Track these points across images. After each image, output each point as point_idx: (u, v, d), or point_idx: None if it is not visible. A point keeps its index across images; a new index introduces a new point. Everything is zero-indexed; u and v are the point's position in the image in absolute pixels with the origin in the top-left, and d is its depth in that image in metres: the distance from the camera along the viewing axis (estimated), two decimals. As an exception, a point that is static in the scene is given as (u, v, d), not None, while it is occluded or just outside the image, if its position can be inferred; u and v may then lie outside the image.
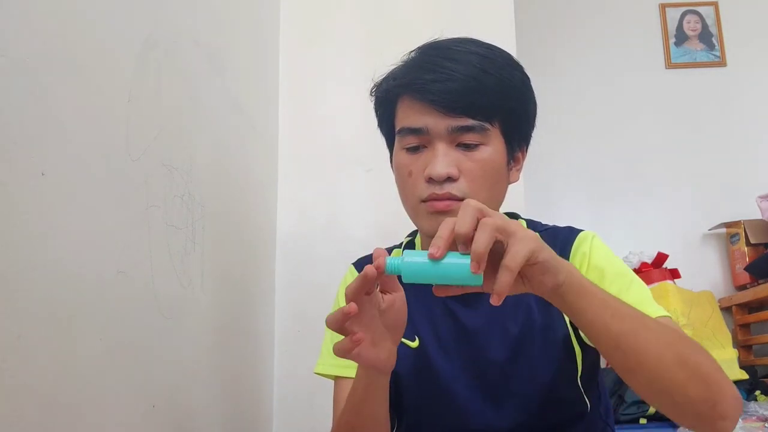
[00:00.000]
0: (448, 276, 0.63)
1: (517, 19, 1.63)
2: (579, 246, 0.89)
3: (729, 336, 2.30)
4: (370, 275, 0.64)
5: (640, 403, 1.98)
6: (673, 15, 2.97)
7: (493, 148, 0.85)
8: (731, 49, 2.91)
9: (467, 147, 0.84)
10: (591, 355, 0.89)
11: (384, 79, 0.92)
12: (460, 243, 0.63)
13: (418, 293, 0.80)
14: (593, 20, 2.96)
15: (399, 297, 0.72)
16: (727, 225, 2.63)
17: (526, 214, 1.20)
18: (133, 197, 0.84)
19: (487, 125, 0.84)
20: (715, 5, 2.95)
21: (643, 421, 1.97)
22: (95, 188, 0.74)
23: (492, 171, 0.85)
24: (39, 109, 0.64)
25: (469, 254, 0.61)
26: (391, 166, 0.93)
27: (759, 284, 2.42)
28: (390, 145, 0.94)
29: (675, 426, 1.87)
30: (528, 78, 0.90)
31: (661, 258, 2.45)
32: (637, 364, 0.68)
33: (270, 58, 1.60)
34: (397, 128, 0.88)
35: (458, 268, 0.63)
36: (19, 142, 0.61)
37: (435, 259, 0.62)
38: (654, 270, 2.41)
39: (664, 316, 0.81)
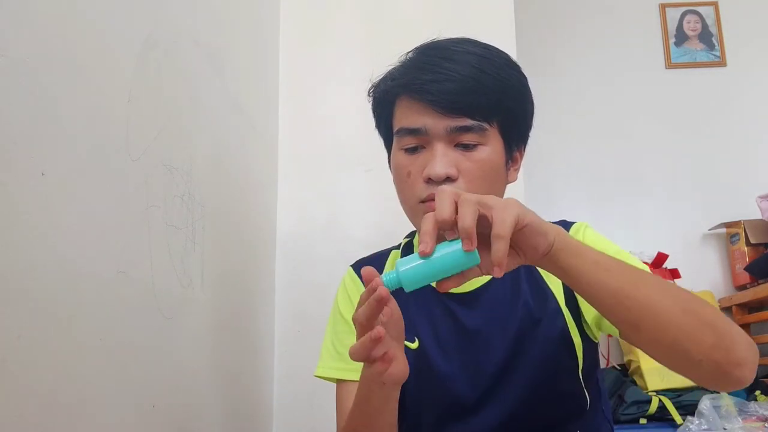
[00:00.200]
0: (445, 267, 0.63)
1: (517, 19, 1.63)
2: (573, 237, 0.89)
3: (729, 336, 2.29)
4: (384, 297, 0.64)
5: (641, 403, 1.98)
6: (673, 15, 2.97)
7: (491, 148, 0.85)
8: (731, 49, 2.91)
9: (466, 147, 0.84)
10: (591, 348, 0.89)
11: (382, 80, 0.92)
12: (447, 230, 0.63)
13: (417, 294, 0.79)
14: (593, 20, 2.96)
15: (394, 305, 0.72)
16: (727, 225, 2.63)
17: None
18: (133, 197, 0.84)
19: (486, 125, 0.84)
20: (715, 5, 2.95)
21: (643, 421, 1.97)
22: (95, 188, 0.74)
23: (491, 171, 0.85)
24: (39, 109, 0.64)
25: (458, 238, 0.61)
26: (390, 167, 0.93)
27: (759, 284, 2.42)
28: (388, 146, 0.94)
29: (675, 426, 1.88)
30: (525, 78, 0.90)
31: (661, 258, 2.45)
32: (641, 317, 0.66)
33: (270, 58, 1.60)
34: (396, 129, 0.88)
35: (453, 255, 0.63)
36: (19, 142, 0.61)
37: (427, 255, 0.62)
38: (654, 270, 2.41)
39: None
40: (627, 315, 0.67)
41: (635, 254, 2.47)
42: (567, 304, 0.87)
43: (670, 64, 2.92)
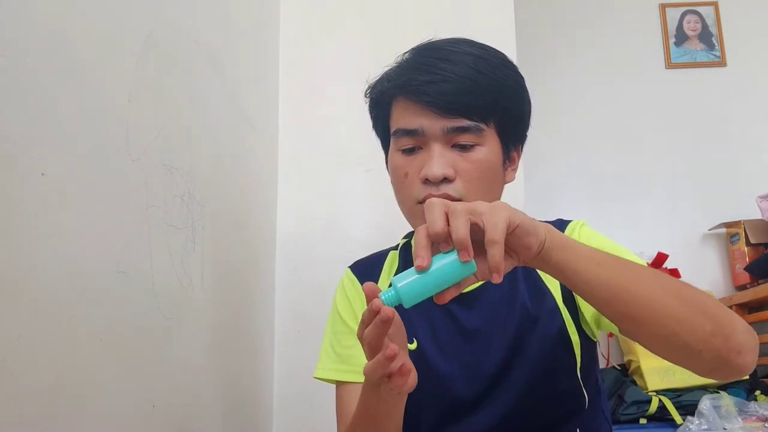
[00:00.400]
0: (443, 280, 0.63)
1: (517, 19, 1.63)
2: (570, 235, 0.89)
3: (729, 336, 2.29)
4: (390, 317, 0.63)
5: (641, 403, 1.98)
6: (673, 15, 2.97)
7: (488, 148, 0.85)
8: (731, 49, 2.91)
9: (463, 148, 0.84)
10: (590, 346, 0.89)
11: (378, 81, 0.91)
12: (440, 242, 0.63)
13: None
14: (593, 20, 2.96)
15: (395, 314, 0.72)
16: (727, 225, 2.63)
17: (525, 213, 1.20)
18: (133, 197, 0.84)
19: (483, 126, 0.84)
20: (715, 5, 2.95)
21: (643, 421, 1.97)
22: (95, 188, 0.74)
23: (488, 171, 0.85)
24: (39, 109, 0.64)
25: (453, 250, 0.61)
26: (387, 168, 0.93)
27: (759, 284, 2.42)
28: (385, 147, 0.94)
29: (675, 426, 1.88)
30: (522, 78, 0.90)
31: (661, 258, 2.45)
32: (638, 310, 0.66)
33: (270, 58, 1.60)
34: (392, 130, 0.88)
35: (450, 267, 0.63)
36: (19, 142, 0.61)
37: (423, 270, 0.62)
38: (654, 270, 2.41)
39: None
40: (624, 309, 0.67)
41: (635, 254, 2.48)
42: (565, 303, 0.87)
43: (670, 64, 2.92)
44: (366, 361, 0.68)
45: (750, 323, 2.33)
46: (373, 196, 1.55)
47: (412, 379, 0.69)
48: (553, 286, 0.89)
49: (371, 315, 0.65)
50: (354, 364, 0.92)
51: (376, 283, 0.84)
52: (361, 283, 0.96)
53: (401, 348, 0.71)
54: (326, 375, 0.96)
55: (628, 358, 2.25)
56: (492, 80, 0.84)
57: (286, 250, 1.55)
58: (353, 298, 0.97)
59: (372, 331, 0.65)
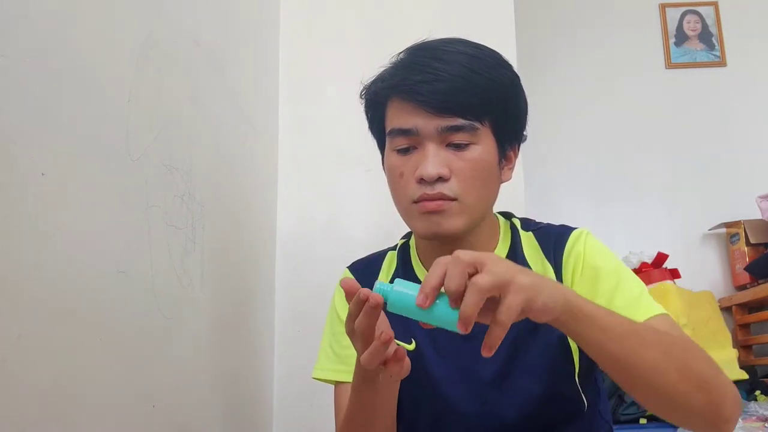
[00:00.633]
0: (433, 318, 0.63)
1: (517, 19, 1.63)
2: (573, 246, 0.90)
3: (729, 336, 2.30)
4: (380, 303, 0.64)
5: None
6: (673, 15, 2.97)
7: (483, 147, 0.85)
8: (731, 49, 2.91)
9: (458, 147, 0.84)
10: None
11: (373, 81, 0.91)
12: (450, 298, 0.62)
13: None
14: (593, 20, 2.96)
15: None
16: (727, 225, 2.63)
17: (525, 214, 1.20)
18: (133, 197, 0.84)
19: (477, 125, 0.84)
20: (715, 5, 2.95)
21: (643, 421, 1.97)
22: (95, 188, 0.74)
23: (483, 170, 0.85)
24: (39, 109, 0.64)
25: (457, 309, 0.61)
26: (383, 168, 0.93)
27: (759, 284, 2.42)
28: (381, 147, 0.94)
29: (675, 426, 1.88)
30: (518, 77, 0.90)
31: (661, 258, 2.45)
32: (639, 381, 0.69)
33: (270, 58, 1.60)
34: (387, 130, 0.88)
35: (445, 316, 0.63)
36: (19, 142, 0.61)
37: (422, 308, 0.62)
38: (654, 270, 2.41)
39: (661, 314, 0.81)
40: (626, 378, 0.70)
41: (635, 254, 2.48)
42: None
43: (670, 64, 2.92)
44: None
45: (750, 323, 2.32)
46: (373, 196, 1.55)
47: (407, 364, 0.70)
48: None
49: (359, 305, 0.65)
50: (352, 364, 0.92)
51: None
52: (360, 283, 0.96)
53: (386, 326, 0.72)
54: (325, 375, 0.96)
55: (628, 358, 2.25)
56: (486, 79, 0.83)
57: (286, 250, 1.55)
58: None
59: (363, 321, 0.65)
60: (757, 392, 2.09)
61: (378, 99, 0.90)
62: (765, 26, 2.92)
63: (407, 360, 0.70)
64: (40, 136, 0.64)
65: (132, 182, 0.83)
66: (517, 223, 0.96)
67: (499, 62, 0.87)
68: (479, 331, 0.87)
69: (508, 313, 0.61)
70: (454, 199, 0.82)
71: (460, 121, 0.83)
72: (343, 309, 0.98)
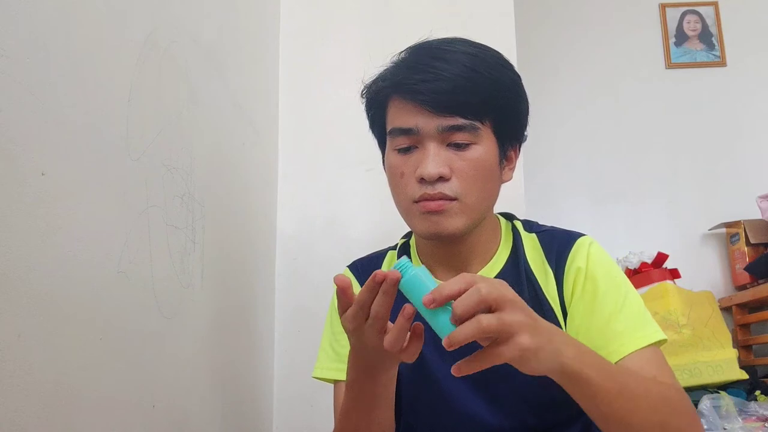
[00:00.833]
0: (429, 317, 0.64)
1: (517, 20, 1.63)
2: (575, 256, 0.89)
3: (729, 336, 2.30)
4: (399, 277, 0.64)
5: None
6: (673, 15, 2.97)
7: (484, 147, 0.84)
8: (731, 49, 2.91)
9: (458, 146, 0.83)
10: None
11: (374, 81, 0.91)
12: (452, 316, 0.62)
13: None
14: (593, 20, 2.96)
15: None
16: (727, 225, 2.63)
17: (525, 214, 1.20)
18: (133, 197, 0.84)
19: (478, 124, 0.83)
20: (715, 5, 2.95)
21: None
22: (95, 188, 0.74)
23: (484, 170, 0.85)
24: (39, 109, 0.64)
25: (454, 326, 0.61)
26: (384, 168, 0.93)
27: (759, 284, 2.42)
28: (382, 147, 0.94)
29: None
30: (519, 76, 0.89)
31: (661, 258, 2.45)
32: (621, 430, 0.72)
33: (270, 58, 1.60)
34: (388, 129, 0.88)
35: (440, 323, 0.63)
36: (19, 142, 0.61)
37: (426, 307, 0.62)
38: (654, 270, 2.41)
39: (654, 345, 0.83)
40: (608, 428, 0.73)
41: (635, 254, 2.48)
42: (563, 315, 0.88)
43: (670, 64, 2.92)
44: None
45: (750, 323, 2.32)
46: (373, 196, 1.55)
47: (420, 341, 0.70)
48: (552, 298, 0.89)
49: (373, 290, 0.65)
50: None
51: None
52: (360, 283, 0.96)
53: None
54: (325, 374, 0.96)
55: (628, 358, 2.25)
56: (487, 79, 0.83)
57: (286, 250, 1.55)
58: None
59: (381, 301, 0.65)
60: (757, 392, 2.09)
61: (379, 98, 0.90)
62: (765, 26, 2.92)
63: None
64: (40, 136, 0.64)
65: (132, 182, 0.83)
66: (519, 224, 0.96)
67: (501, 62, 0.87)
68: None
69: (492, 359, 0.63)
70: (454, 199, 0.82)
71: (461, 121, 0.82)
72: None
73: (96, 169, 0.75)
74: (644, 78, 2.89)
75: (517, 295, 0.64)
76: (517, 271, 0.90)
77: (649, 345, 0.82)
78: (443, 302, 0.62)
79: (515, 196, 1.45)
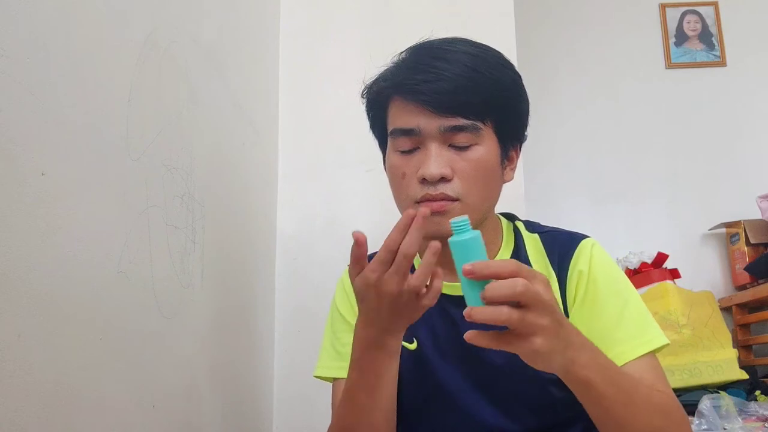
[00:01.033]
0: (463, 283, 0.64)
1: (517, 20, 1.63)
2: (578, 258, 0.89)
3: (729, 336, 2.30)
4: (426, 214, 0.70)
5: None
6: (673, 15, 2.97)
7: (485, 147, 0.84)
8: (731, 49, 2.91)
9: (460, 147, 0.83)
10: None
11: (375, 81, 0.91)
12: (484, 295, 0.62)
13: None
14: (593, 21, 2.96)
15: None
16: (727, 225, 2.63)
17: (526, 214, 1.20)
18: (133, 197, 0.84)
19: (480, 125, 0.83)
20: (715, 5, 2.95)
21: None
22: (95, 188, 0.74)
23: (485, 170, 0.85)
24: (39, 109, 0.64)
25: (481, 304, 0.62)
26: (384, 168, 0.93)
27: (759, 284, 2.42)
28: (382, 147, 0.93)
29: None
30: (519, 76, 0.89)
31: (661, 258, 2.45)
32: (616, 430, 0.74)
33: (270, 58, 1.60)
34: (389, 129, 0.88)
35: (470, 293, 0.64)
36: (19, 142, 0.61)
37: (464, 276, 0.63)
38: (654, 270, 2.41)
39: (653, 352, 0.83)
40: (605, 428, 0.75)
41: (635, 254, 2.48)
42: (565, 316, 0.88)
43: (670, 64, 2.92)
44: None
45: (750, 323, 2.32)
46: (373, 196, 1.55)
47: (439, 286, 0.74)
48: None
49: (404, 228, 0.70)
50: None
51: None
52: None
53: None
54: (326, 373, 0.96)
55: (629, 358, 2.25)
56: (489, 79, 0.83)
57: (286, 250, 1.55)
58: (353, 297, 0.97)
59: (414, 236, 0.69)
60: (757, 392, 2.09)
61: (380, 98, 0.90)
62: (765, 26, 2.92)
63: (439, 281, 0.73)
64: (40, 136, 0.64)
65: (132, 182, 0.83)
66: (521, 225, 0.96)
67: (502, 62, 0.87)
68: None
69: (505, 346, 0.64)
70: (456, 200, 0.82)
71: (462, 121, 0.82)
72: (344, 307, 0.98)
73: (96, 169, 0.75)
74: (644, 78, 2.89)
75: (553, 297, 0.65)
76: None
77: (651, 351, 0.83)
78: (481, 279, 0.63)
79: (515, 196, 1.44)
